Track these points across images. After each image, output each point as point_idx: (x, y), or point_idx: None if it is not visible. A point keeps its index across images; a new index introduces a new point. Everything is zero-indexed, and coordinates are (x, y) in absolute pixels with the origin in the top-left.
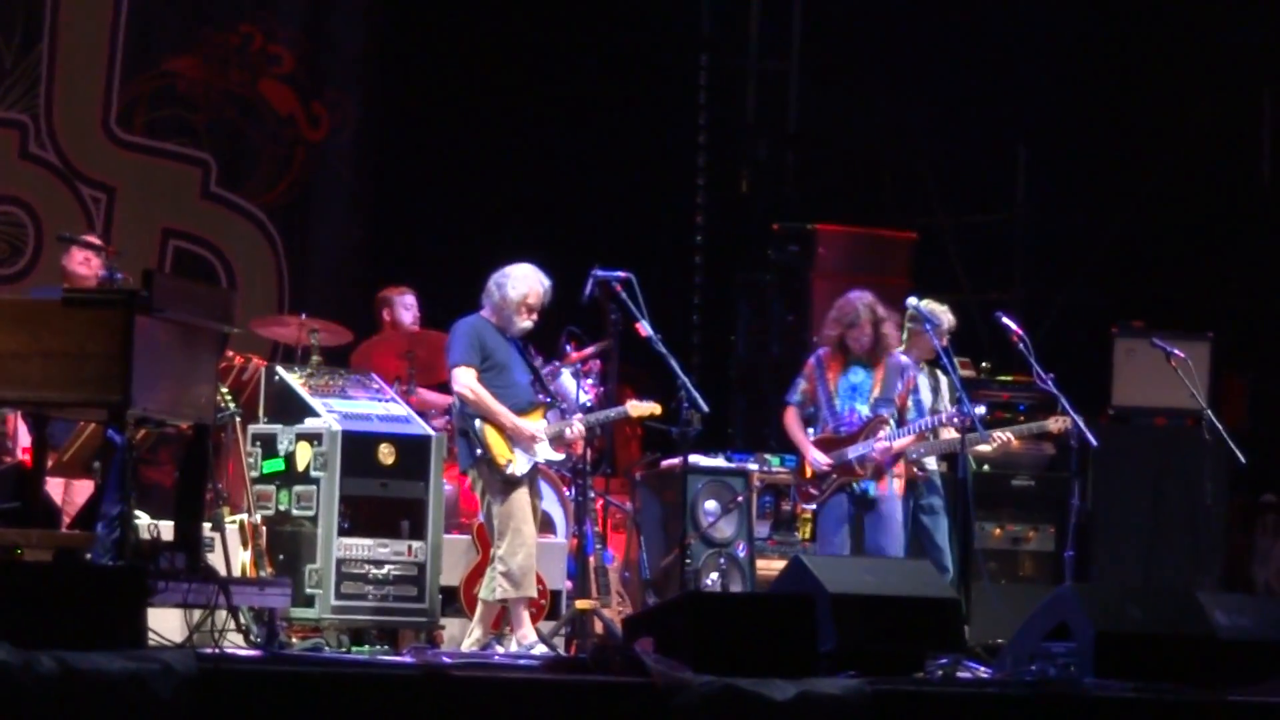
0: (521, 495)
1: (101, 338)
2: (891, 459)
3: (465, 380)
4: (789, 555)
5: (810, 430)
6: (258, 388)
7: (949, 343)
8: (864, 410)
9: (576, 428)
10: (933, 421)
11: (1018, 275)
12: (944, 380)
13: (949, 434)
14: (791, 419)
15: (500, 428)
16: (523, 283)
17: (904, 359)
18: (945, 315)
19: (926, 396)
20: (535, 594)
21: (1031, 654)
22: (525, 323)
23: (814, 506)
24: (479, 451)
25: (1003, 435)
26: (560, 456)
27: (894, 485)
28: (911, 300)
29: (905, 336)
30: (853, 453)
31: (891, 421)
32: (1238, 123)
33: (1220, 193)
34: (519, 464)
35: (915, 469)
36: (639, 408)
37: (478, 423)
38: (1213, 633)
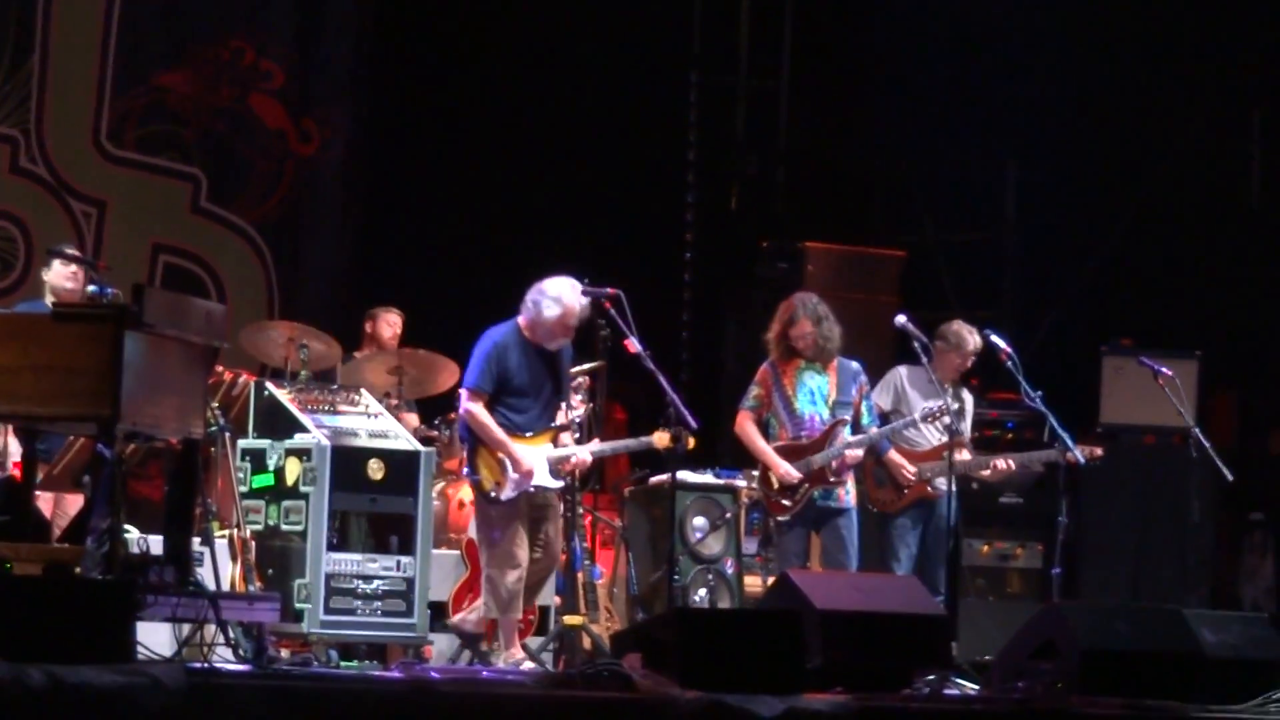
0: (514, 518)
1: (91, 352)
2: (848, 467)
3: (471, 406)
4: (776, 571)
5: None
6: (247, 403)
7: (973, 364)
8: (824, 414)
9: (582, 456)
10: (902, 424)
11: (1006, 293)
12: (969, 400)
13: (963, 455)
14: (749, 426)
15: (497, 455)
16: (557, 304)
17: (855, 365)
18: (972, 337)
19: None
20: (520, 616)
21: (1018, 671)
22: (561, 341)
23: (787, 519)
24: (466, 471)
25: (1002, 463)
26: (560, 484)
27: (850, 495)
28: (900, 318)
29: (934, 355)
30: (820, 459)
31: (847, 427)
32: (1227, 142)
33: (1209, 212)
34: (506, 490)
35: (928, 488)
36: (665, 438)
37: (472, 442)
38: (1200, 650)
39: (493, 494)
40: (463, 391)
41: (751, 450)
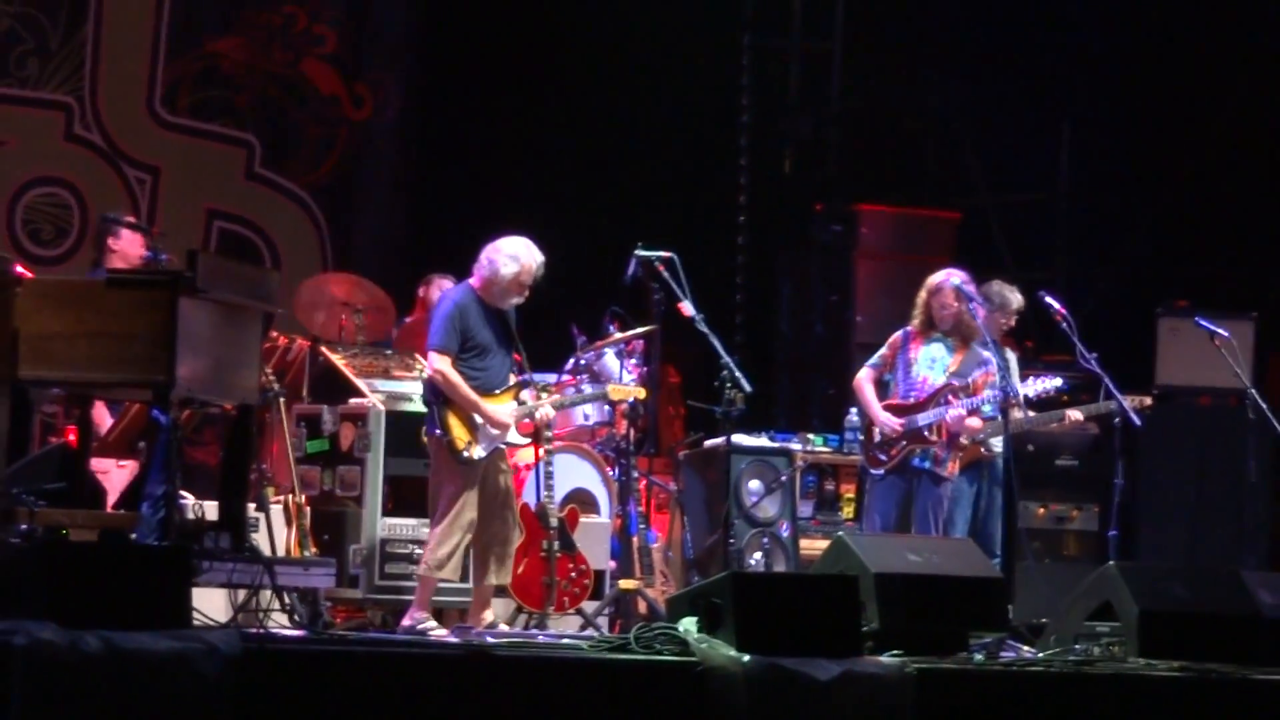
0: (472, 482)
1: (146, 318)
2: (954, 437)
3: (440, 366)
4: (832, 535)
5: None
6: (302, 368)
7: (1016, 323)
8: (937, 380)
9: (545, 411)
10: (993, 398)
11: (1061, 254)
12: (1013, 359)
13: (1017, 414)
14: (863, 382)
15: (469, 414)
16: (514, 262)
17: (986, 354)
18: (1014, 295)
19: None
20: (453, 578)
21: (1076, 633)
22: (515, 300)
23: (881, 472)
24: (438, 432)
25: (1075, 414)
26: (526, 441)
27: (949, 467)
28: (955, 280)
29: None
30: (923, 419)
31: (959, 395)
32: None
33: (1265, 172)
34: (478, 450)
35: (982, 449)
36: (620, 390)
37: (439, 403)
38: (1258, 611)
39: (465, 454)
40: (429, 354)
41: (860, 402)
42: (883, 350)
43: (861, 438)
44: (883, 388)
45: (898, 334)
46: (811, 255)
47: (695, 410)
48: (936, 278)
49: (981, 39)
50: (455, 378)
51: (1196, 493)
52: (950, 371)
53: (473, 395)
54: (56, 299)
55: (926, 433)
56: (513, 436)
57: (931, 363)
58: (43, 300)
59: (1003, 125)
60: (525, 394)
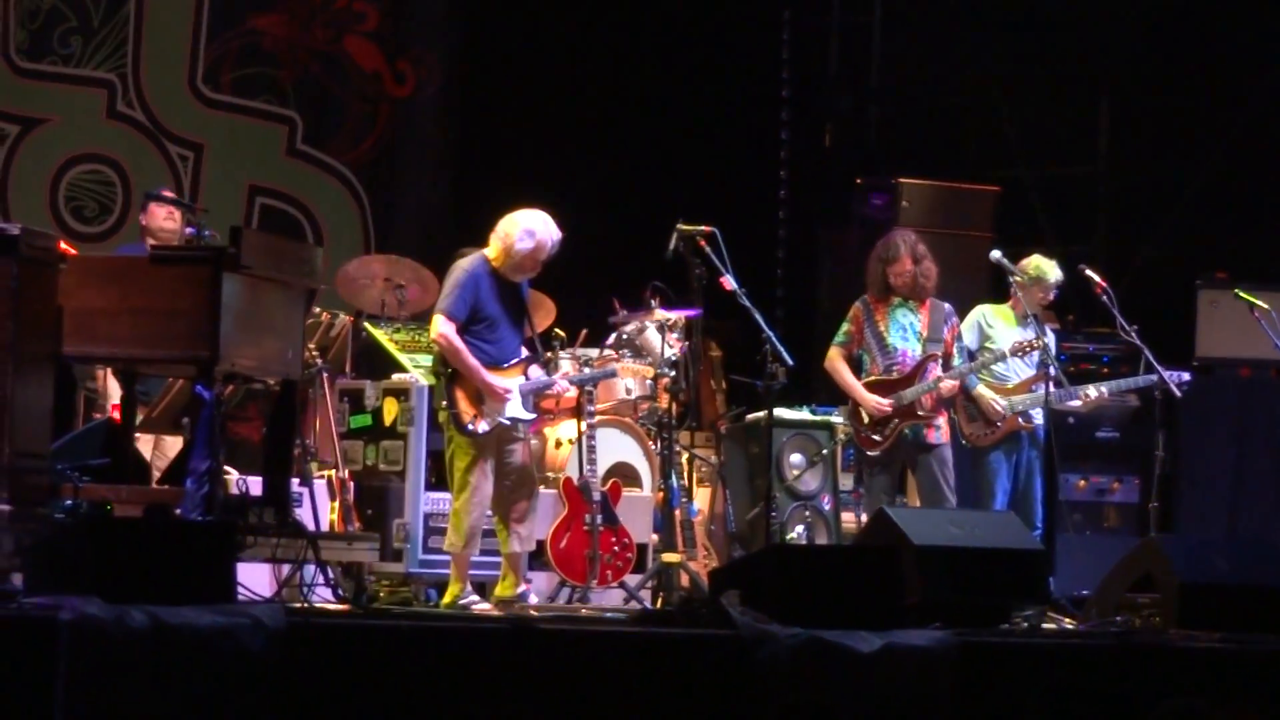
0: (485, 453)
1: (189, 294)
2: (944, 402)
3: (444, 330)
4: (867, 512)
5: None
6: (345, 343)
7: (1055, 297)
8: (916, 349)
9: (561, 386)
10: (991, 358)
11: (1101, 227)
12: (1050, 334)
13: (1053, 387)
14: (838, 362)
15: (475, 388)
16: (530, 238)
17: (947, 306)
18: (1053, 270)
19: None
20: (477, 551)
21: (1116, 605)
22: (530, 274)
23: (877, 454)
24: (444, 403)
25: (1094, 391)
26: (532, 415)
27: (942, 433)
28: (994, 253)
29: (1018, 291)
30: (911, 394)
31: (939, 365)
32: None
33: None
34: (482, 424)
35: (1020, 420)
36: (631, 368)
37: (449, 375)
38: None
39: (470, 427)
40: (436, 317)
41: (841, 386)
42: (846, 326)
43: (847, 419)
44: (853, 363)
45: (856, 306)
46: (852, 229)
47: (737, 384)
48: (890, 243)
49: (1020, 11)
50: (458, 343)
51: (1237, 464)
52: (925, 338)
53: (474, 363)
54: (100, 275)
55: (919, 408)
56: (516, 410)
57: (903, 331)
58: (86, 277)
59: (1042, 98)
60: (534, 369)
